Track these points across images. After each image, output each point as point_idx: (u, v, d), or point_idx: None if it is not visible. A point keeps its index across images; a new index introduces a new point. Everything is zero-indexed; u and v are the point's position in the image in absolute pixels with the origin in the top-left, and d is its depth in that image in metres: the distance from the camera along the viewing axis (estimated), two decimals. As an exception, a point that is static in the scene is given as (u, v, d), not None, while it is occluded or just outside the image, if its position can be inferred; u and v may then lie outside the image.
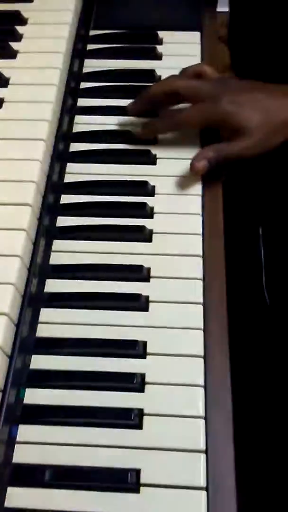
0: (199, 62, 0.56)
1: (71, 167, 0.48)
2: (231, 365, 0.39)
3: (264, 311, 0.57)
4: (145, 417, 0.36)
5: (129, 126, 0.50)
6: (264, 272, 0.58)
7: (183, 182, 0.47)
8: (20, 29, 0.52)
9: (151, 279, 0.42)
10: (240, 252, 0.61)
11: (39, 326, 0.40)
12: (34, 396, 0.37)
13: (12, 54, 0.50)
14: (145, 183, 0.47)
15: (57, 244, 0.44)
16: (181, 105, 0.49)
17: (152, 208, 0.46)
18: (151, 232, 0.44)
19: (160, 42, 0.57)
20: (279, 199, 0.56)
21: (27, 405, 0.37)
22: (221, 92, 0.46)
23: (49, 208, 0.44)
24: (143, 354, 0.38)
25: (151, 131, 0.48)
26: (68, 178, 0.48)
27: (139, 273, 0.42)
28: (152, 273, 0.42)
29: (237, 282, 0.56)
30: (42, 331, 0.40)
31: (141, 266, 0.42)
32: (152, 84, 0.50)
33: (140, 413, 0.36)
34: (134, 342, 0.38)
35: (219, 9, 0.66)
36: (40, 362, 0.38)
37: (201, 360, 0.38)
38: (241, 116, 0.45)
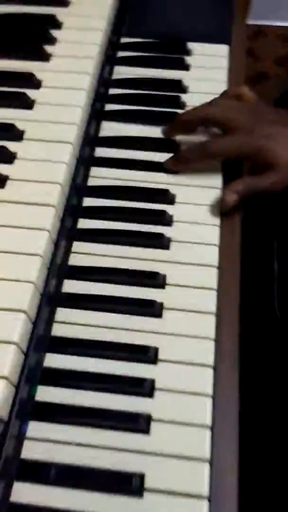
0: (226, 74, 0.56)
1: (95, 171, 0.49)
2: (240, 378, 0.39)
3: (274, 326, 0.57)
4: (152, 423, 0.36)
5: (153, 133, 0.51)
6: (277, 286, 0.58)
7: (203, 193, 0.47)
8: (54, 33, 0.53)
9: (166, 286, 0.42)
10: (254, 265, 0.61)
11: (55, 325, 0.40)
12: (46, 394, 0.37)
13: (46, 57, 0.51)
14: (166, 191, 0.47)
15: (77, 245, 0.44)
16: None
17: (171, 216, 0.46)
18: (169, 239, 0.45)
19: (188, 53, 0.58)
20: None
21: (39, 402, 0.37)
22: (255, 124, 0.46)
23: (72, 210, 0.45)
24: (154, 360, 0.39)
25: (182, 163, 0.48)
26: (91, 182, 0.48)
27: (155, 280, 0.42)
28: (167, 281, 0.43)
29: (249, 295, 0.57)
30: (58, 331, 0.40)
31: (156, 273, 0.43)
32: (186, 110, 0.50)
33: (148, 418, 0.37)
34: (146, 348, 0.39)
35: (248, 22, 0.67)
36: (54, 360, 0.39)
37: (211, 370, 0.39)
38: (273, 152, 0.45)
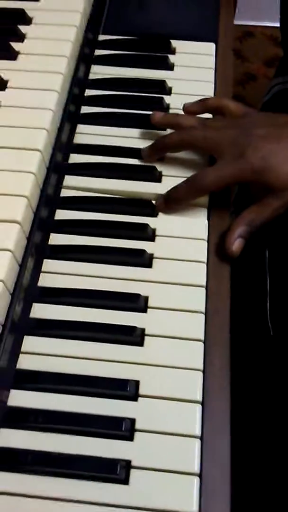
0: (212, 74, 0.53)
1: (69, 180, 0.44)
2: (232, 399, 0.35)
3: (267, 342, 0.54)
4: (132, 470, 0.32)
5: (134, 140, 0.47)
6: (269, 300, 0.54)
7: (188, 204, 0.43)
8: (23, 28, 0.48)
9: (148, 310, 0.38)
10: (245, 277, 0.57)
11: (21, 356, 0.36)
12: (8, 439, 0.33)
13: (13, 55, 0.46)
14: (148, 202, 0.43)
15: (47, 264, 0.40)
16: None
17: (154, 230, 0.42)
18: (151, 256, 0.40)
19: (173, 51, 0.54)
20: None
21: None
22: (245, 144, 0.40)
23: (42, 224, 0.40)
24: (134, 396, 0.34)
25: (172, 204, 0.43)
26: (65, 192, 0.44)
27: (136, 303, 0.38)
28: (150, 303, 0.38)
29: (241, 311, 0.53)
30: (25, 362, 0.36)
31: (138, 295, 0.38)
32: (170, 133, 0.45)
33: (127, 465, 0.32)
34: (125, 382, 0.34)
35: (236, 22, 0.63)
36: (21, 398, 0.34)
37: (199, 407, 0.34)
38: (272, 173, 0.40)
